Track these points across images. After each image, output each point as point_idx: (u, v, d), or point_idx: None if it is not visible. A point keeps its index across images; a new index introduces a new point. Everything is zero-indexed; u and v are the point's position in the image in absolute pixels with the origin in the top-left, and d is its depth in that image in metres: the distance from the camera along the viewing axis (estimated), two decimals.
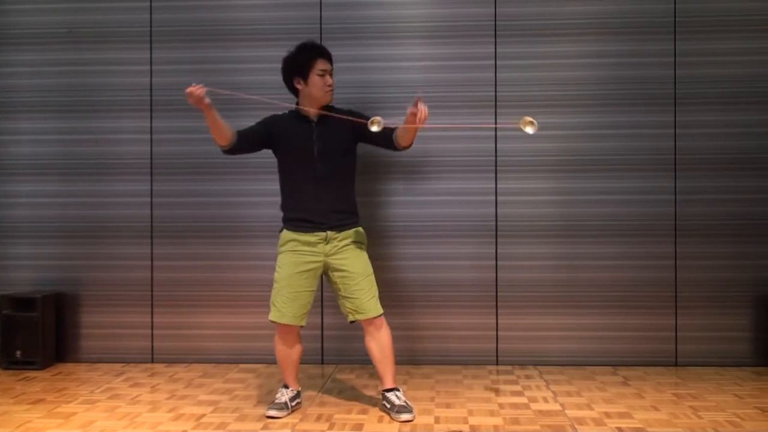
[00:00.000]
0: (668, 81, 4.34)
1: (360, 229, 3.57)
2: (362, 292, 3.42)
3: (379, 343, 3.44)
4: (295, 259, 3.44)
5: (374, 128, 3.25)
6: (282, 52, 3.43)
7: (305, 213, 3.45)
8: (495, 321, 4.38)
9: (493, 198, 4.38)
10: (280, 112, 3.61)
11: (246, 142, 3.50)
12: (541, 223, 4.37)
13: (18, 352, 4.31)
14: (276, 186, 3.60)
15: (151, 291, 4.50)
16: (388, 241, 4.37)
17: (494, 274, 4.37)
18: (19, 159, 4.57)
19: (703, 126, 4.32)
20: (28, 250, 4.56)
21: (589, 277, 4.35)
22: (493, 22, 4.38)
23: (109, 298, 4.51)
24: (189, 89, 3.19)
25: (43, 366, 4.33)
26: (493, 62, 4.38)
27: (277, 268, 3.49)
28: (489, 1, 4.38)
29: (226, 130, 3.39)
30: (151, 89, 4.51)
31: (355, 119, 3.42)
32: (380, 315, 3.44)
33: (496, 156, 4.38)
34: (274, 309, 3.43)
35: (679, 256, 4.32)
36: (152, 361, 4.50)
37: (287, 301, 3.41)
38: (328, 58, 3.53)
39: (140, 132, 4.51)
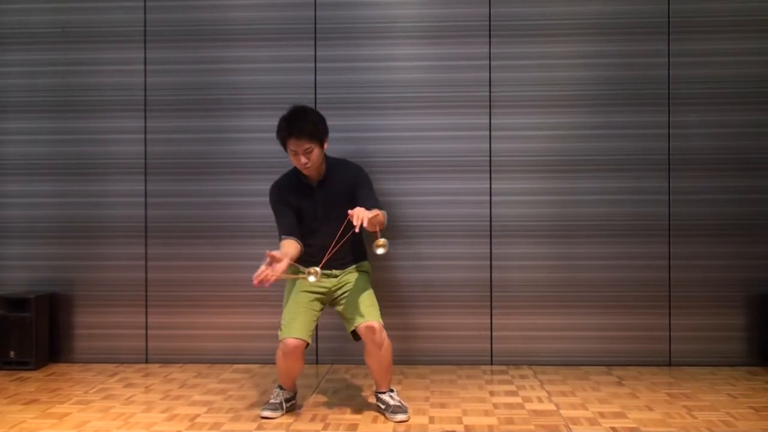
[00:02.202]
0: (662, 81, 4.34)
1: (365, 262, 3.64)
2: (361, 299, 3.41)
3: (378, 359, 3.38)
4: (301, 281, 3.45)
5: (379, 251, 3.16)
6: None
7: (313, 261, 3.39)
8: (489, 321, 4.38)
9: (488, 198, 4.38)
10: (280, 178, 3.58)
11: (298, 232, 3.48)
12: (535, 223, 4.37)
13: (11, 353, 4.30)
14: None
15: (146, 291, 4.49)
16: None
17: (489, 274, 4.38)
18: (12, 159, 4.55)
19: (697, 126, 4.33)
20: (21, 251, 4.54)
21: (584, 277, 4.35)
22: (488, 22, 4.39)
23: (103, 299, 4.49)
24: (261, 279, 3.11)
25: (37, 366, 4.32)
26: (487, 62, 4.38)
27: (285, 293, 3.55)
28: (483, 1, 4.39)
29: (296, 253, 3.38)
30: (145, 89, 4.50)
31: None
32: (379, 323, 3.34)
33: (490, 156, 4.38)
34: (281, 328, 3.40)
35: (672, 256, 4.33)
36: (146, 362, 4.49)
37: (292, 314, 3.39)
38: (302, 137, 3.33)
39: (134, 132, 4.50)
